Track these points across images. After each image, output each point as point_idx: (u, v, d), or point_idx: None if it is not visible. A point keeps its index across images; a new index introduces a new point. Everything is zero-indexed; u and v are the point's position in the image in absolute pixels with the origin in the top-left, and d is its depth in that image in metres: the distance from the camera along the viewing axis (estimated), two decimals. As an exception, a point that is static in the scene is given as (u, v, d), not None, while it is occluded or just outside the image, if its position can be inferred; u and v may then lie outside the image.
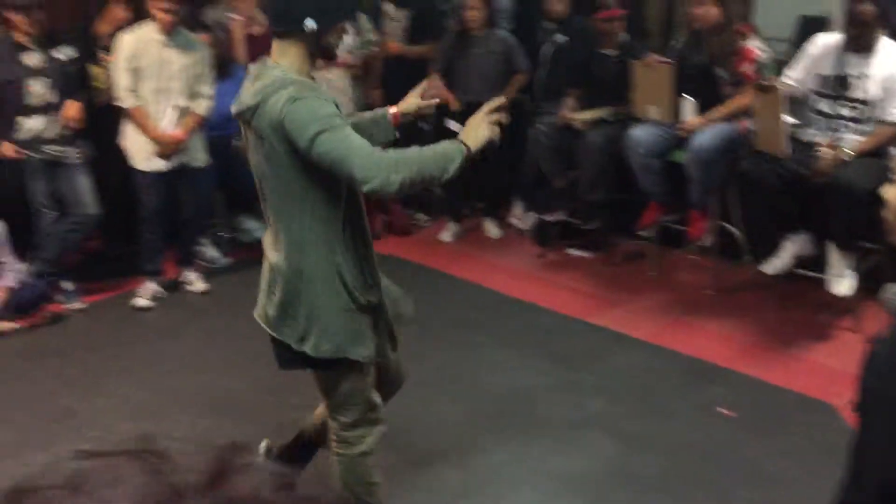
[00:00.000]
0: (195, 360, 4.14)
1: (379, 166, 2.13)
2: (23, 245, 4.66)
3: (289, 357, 2.47)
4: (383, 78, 5.92)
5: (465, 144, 2.31)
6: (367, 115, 2.67)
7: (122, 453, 0.43)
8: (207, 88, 4.80)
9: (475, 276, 5.12)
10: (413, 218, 6.07)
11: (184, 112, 4.72)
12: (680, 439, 3.46)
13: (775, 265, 4.32)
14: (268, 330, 2.49)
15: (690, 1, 4.76)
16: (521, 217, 5.88)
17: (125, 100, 4.64)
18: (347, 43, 6.32)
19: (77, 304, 4.76)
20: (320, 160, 2.16)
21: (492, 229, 5.82)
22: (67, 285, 4.78)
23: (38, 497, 0.41)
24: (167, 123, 4.69)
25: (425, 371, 3.68)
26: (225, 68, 5.25)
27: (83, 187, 4.74)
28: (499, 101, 2.47)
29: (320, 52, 2.31)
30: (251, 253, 5.64)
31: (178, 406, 3.67)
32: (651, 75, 4.78)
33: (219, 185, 5.41)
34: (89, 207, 4.74)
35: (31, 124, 4.57)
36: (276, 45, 2.30)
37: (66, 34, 4.89)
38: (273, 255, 2.41)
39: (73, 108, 4.61)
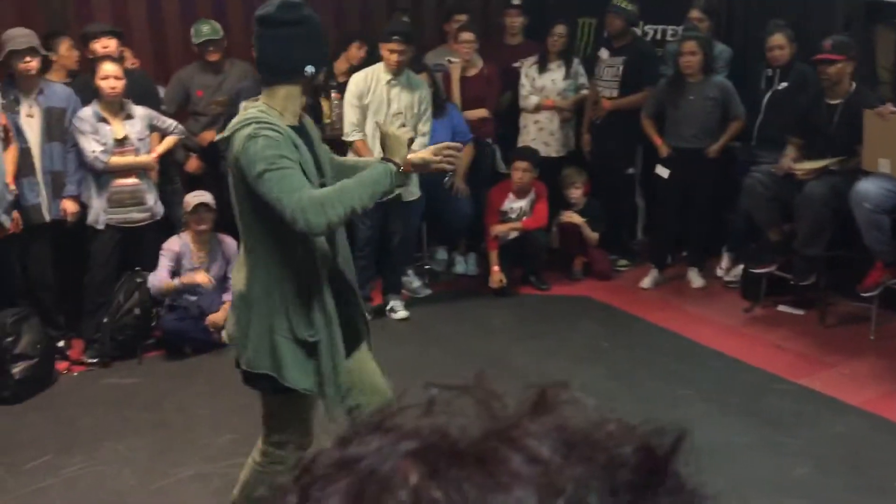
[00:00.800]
0: (391, 384, 4.31)
1: (305, 209, 2.24)
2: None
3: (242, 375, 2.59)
4: (593, 123, 5.96)
5: (391, 162, 2.42)
6: (351, 160, 2.86)
7: (459, 388, 0.47)
8: (425, 127, 5.05)
9: (676, 326, 4.97)
10: (614, 262, 6.00)
11: (401, 148, 4.98)
12: (898, 520, 3.15)
13: None
14: (227, 342, 2.65)
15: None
16: (729, 268, 5.65)
17: (350, 134, 4.98)
18: (559, 85, 6.35)
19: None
20: (263, 197, 2.31)
21: (696, 279, 5.63)
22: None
23: (402, 415, 0.45)
24: (385, 158, 4.98)
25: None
26: (439, 108, 5.50)
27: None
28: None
29: (309, 90, 2.54)
30: (450, 285, 5.86)
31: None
32: (883, 126, 4.46)
33: (425, 218, 5.65)
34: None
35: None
36: (268, 90, 2.47)
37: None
38: (235, 275, 2.56)
39: None
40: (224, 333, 2.65)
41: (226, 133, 2.44)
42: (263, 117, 2.40)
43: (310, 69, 2.45)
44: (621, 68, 5.85)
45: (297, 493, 0.42)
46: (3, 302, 4.29)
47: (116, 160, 4.56)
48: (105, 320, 4.50)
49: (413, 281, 5.69)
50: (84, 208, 4.65)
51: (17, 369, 4.15)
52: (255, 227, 2.44)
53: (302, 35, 2.46)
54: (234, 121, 2.44)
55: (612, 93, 5.92)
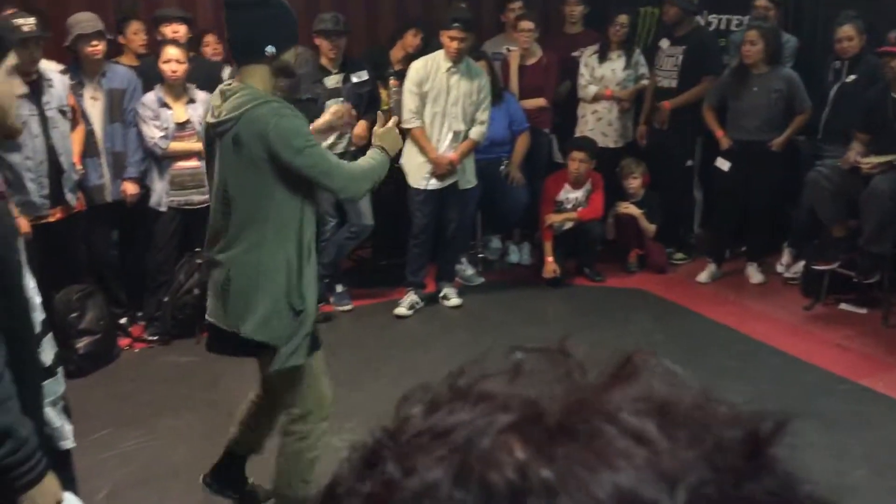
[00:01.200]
0: (443, 371, 4.31)
1: (350, 180, 2.62)
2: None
3: (238, 347, 2.66)
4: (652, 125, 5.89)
5: (384, 151, 2.75)
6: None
7: (541, 350, 0.47)
8: (484, 115, 5.04)
9: (733, 322, 4.88)
10: (671, 256, 5.92)
11: (459, 136, 4.99)
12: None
13: None
14: (222, 326, 2.63)
15: None
16: (789, 264, 5.53)
17: (409, 121, 4.99)
18: (618, 75, 6.29)
19: (346, 306, 5.17)
20: (301, 170, 2.50)
21: (755, 275, 5.52)
22: (339, 287, 5.21)
23: (488, 381, 0.45)
24: (444, 146, 4.99)
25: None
26: (496, 96, 5.48)
27: (363, 200, 5.15)
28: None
29: (280, 71, 2.62)
30: (503, 275, 5.85)
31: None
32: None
33: (480, 206, 5.65)
34: (366, 219, 5.14)
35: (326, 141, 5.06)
36: (243, 70, 2.60)
37: (361, 59, 5.38)
38: (229, 253, 2.58)
39: (360, 127, 5.04)
40: (212, 318, 2.67)
41: (235, 113, 2.48)
42: (271, 97, 2.53)
43: (270, 49, 2.53)
44: (681, 58, 5.76)
45: (394, 460, 0.40)
46: (69, 279, 4.42)
47: (175, 146, 4.65)
48: (166, 299, 4.60)
49: (466, 269, 5.70)
50: (145, 190, 4.75)
51: (80, 344, 4.27)
52: (271, 201, 2.51)
53: (266, 16, 2.56)
54: (236, 102, 2.50)
55: (670, 83, 5.84)
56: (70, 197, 4.32)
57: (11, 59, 1.68)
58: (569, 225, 5.59)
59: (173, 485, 3.23)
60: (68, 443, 1.96)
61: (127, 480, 3.31)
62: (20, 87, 1.76)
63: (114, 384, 4.21)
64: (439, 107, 4.95)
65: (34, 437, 1.66)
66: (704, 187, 6.09)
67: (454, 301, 5.28)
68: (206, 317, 2.72)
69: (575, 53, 6.04)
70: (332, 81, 5.03)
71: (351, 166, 2.72)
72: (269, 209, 2.52)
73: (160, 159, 4.69)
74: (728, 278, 5.59)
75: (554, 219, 5.56)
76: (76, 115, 4.44)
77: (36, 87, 4.10)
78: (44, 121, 4.12)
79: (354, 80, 5.08)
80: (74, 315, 4.30)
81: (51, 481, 1.70)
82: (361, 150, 5.09)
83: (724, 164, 5.37)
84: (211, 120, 2.59)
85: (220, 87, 2.67)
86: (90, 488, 3.25)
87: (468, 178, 5.14)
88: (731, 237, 5.69)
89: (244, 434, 2.95)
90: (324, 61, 5.02)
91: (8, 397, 1.60)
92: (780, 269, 5.57)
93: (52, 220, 4.24)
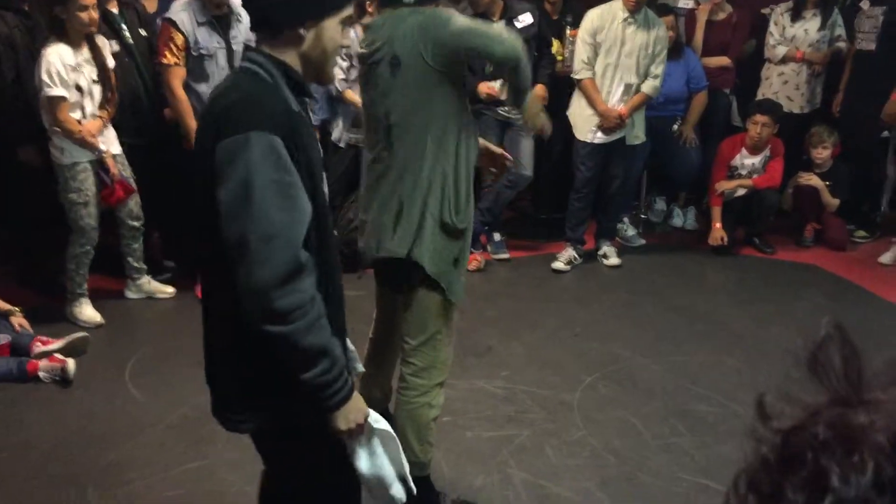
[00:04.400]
0: (600, 329, 4.25)
1: (510, 41, 2.43)
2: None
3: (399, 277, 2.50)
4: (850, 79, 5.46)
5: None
6: None
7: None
8: (659, 69, 4.84)
9: (918, 308, 4.53)
10: (852, 233, 5.54)
11: (630, 89, 4.82)
12: None
13: None
14: (389, 255, 2.46)
15: None
16: None
17: (580, 72, 4.86)
18: (812, 36, 5.83)
19: (503, 255, 5.17)
20: (467, 45, 2.37)
21: (947, 261, 5.08)
22: (496, 236, 5.21)
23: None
24: (615, 99, 4.83)
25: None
26: (678, 51, 5.25)
27: (525, 149, 5.09)
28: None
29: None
30: (666, 239, 5.66)
31: (579, 368, 3.81)
32: None
33: (647, 165, 5.46)
34: (526, 169, 5.09)
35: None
36: None
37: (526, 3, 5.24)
38: (399, 184, 2.44)
39: (540, 88, 4.92)
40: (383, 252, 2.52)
41: (386, 35, 2.39)
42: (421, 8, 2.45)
43: None
44: (881, 19, 5.30)
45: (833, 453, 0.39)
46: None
47: (350, 94, 4.73)
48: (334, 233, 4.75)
49: (627, 229, 5.55)
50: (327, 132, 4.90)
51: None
52: (431, 115, 2.41)
53: None
54: (387, 25, 2.42)
55: (869, 45, 5.40)
56: None
57: (347, 11, 1.77)
58: (741, 192, 5.32)
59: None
60: (360, 366, 2.01)
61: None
62: (347, 38, 1.83)
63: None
64: (612, 58, 4.78)
65: (342, 356, 1.69)
66: (897, 163, 5.63)
67: (613, 260, 5.16)
68: (371, 254, 2.55)
69: (765, 10, 5.68)
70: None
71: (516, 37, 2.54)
72: (429, 122, 2.42)
73: (339, 100, 4.83)
74: (917, 263, 5.18)
75: (725, 185, 5.30)
76: None
77: (225, 21, 4.26)
78: (230, 54, 4.29)
79: (518, 24, 4.92)
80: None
81: (358, 399, 1.75)
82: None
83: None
84: (364, 50, 2.51)
85: (367, 20, 2.59)
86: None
87: (636, 134, 4.97)
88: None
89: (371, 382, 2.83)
90: (482, 8, 4.71)
91: (321, 316, 1.63)
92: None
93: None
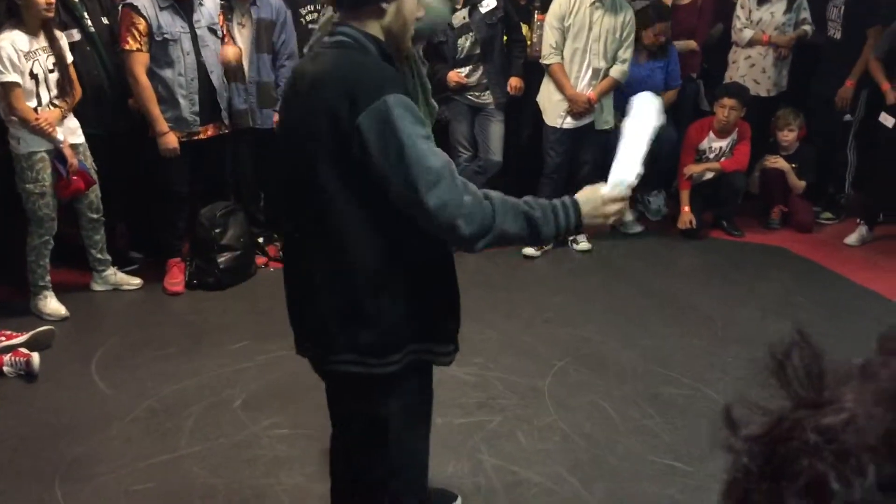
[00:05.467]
0: (571, 314, 4.26)
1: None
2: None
3: None
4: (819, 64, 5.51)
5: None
6: None
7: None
8: (626, 53, 4.84)
9: (883, 289, 4.58)
10: (817, 215, 5.60)
11: (599, 74, 4.82)
12: None
13: None
14: None
15: None
16: (951, 233, 5.13)
17: (548, 57, 4.85)
18: (777, 19, 5.85)
19: (474, 242, 5.15)
20: None
21: (912, 241, 5.16)
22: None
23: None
24: (583, 83, 4.83)
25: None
26: (664, 51, 5.34)
27: (494, 135, 5.09)
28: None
29: None
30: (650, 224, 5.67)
31: (551, 353, 3.81)
32: None
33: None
34: (495, 155, 5.08)
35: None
36: None
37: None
38: None
39: (516, 80, 4.93)
40: None
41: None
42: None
43: None
44: (843, 8, 5.36)
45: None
46: (215, 195, 4.58)
47: None
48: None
49: (626, 215, 5.45)
50: None
51: (222, 259, 4.45)
52: None
53: None
54: None
55: (835, 33, 5.45)
56: (224, 115, 4.43)
57: None
58: (709, 175, 5.35)
59: (306, 398, 3.33)
60: None
61: (262, 391, 3.44)
62: (420, 11, 1.87)
63: (251, 300, 4.37)
64: (580, 43, 4.78)
65: (532, 201, 1.78)
66: (859, 145, 5.69)
67: (583, 245, 5.18)
68: None
69: (730, -7, 5.70)
70: (458, 18, 4.87)
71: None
72: None
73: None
74: (879, 243, 5.25)
75: (693, 169, 5.33)
76: (225, 36, 4.53)
77: (188, 5, 4.18)
78: (194, 38, 4.22)
79: (482, 9, 4.90)
80: (218, 230, 4.47)
81: (589, 195, 1.81)
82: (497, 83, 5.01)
83: (888, 120, 5.00)
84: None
85: None
86: (227, 395, 3.41)
87: (606, 119, 4.97)
88: (887, 199, 5.31)
89: None
90: None
91: (493, 207, 1.73)
92: (941, 236, 5.19)
93: (203, 137, 4.38)
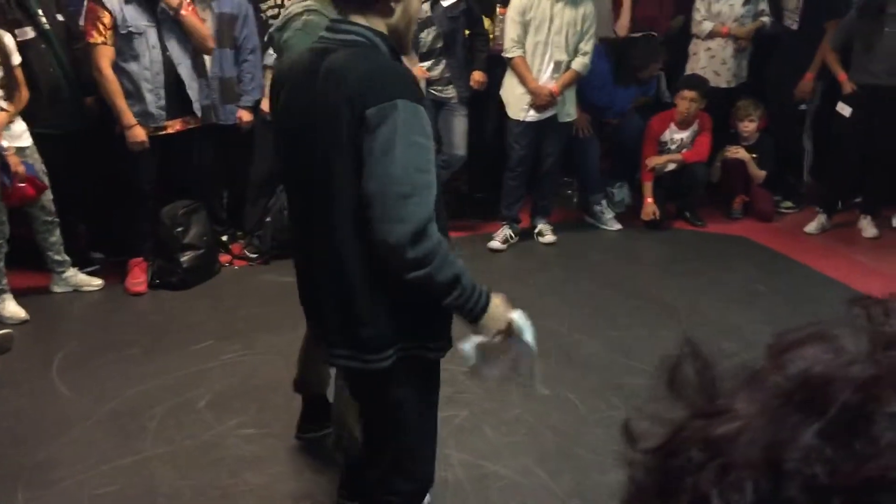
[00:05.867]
0: (536, 307, 4.24)
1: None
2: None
3: None
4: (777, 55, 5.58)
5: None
6: None
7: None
8: (588, 45, 4.86)
9: (842, 276, 4.66)
10: (778, 204, 5.68)
11: (561, 67, 4.84)
12: None
13: None
14: None
15: None
16: (909, 219, 5.24)
17: (510, 50, 4.86)
18: (737, 11, 5.89)
19: (439, 237, 5.15)
20: None
21: (868, 228, 5.25)
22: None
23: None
24: (546, 76, 4.85)
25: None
26: (645, 83, 5.47)
27: (458, 129, 5.09)
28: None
29: None
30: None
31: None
32: None
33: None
34: (459, 149, 5.08)
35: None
36: None
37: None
38: None
39: (478, 74, 4.93)
40: None
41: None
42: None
43: None
44: (802, 0, 5.43)
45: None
46: (178, 193, 4.52)
47: None
48: (268, 220, 4.67)
49: (605, 212, 5.45)
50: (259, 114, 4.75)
51: (184, 258, 4.40)
52: None
53: None
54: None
55: (792, 24, 5.53)
56: (196, 107, 4.35)
57: None
58: (671, 167, 5.40)
59: (272, 398, 3.32)
60: None
61: (227, 391, 3.41)
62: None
63: (215, 299, 4.33)
64: (542, 36, 4.80)
65: (468, 273, 1.78)
66: (815, 134, 5.78)
67: (549, 238, 5.20)
68: None
69: (691, -15, 5.75)
70: (420, 12, 4.85)
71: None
72: None
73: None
74: (838, 231, 5.34)
75: (656, 161, 5.38)
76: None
77: (153, -1, 4.12)
78: (160, 32, 4.16)
79: (444, 3, 4.89)
80: (179, 229, 4.41)
81: (497, 303, 1.85)
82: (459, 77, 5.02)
83: (844, 110, 5.08)
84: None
85: None
86: (192, 395, 3.38)
87: (568, 111, 5.00)
88: (847, 188, 5.41)
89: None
90: None
91: (447, 251, 1.74)
92: (896, 223, 5.30)
93: (170, 131, 4.31)
